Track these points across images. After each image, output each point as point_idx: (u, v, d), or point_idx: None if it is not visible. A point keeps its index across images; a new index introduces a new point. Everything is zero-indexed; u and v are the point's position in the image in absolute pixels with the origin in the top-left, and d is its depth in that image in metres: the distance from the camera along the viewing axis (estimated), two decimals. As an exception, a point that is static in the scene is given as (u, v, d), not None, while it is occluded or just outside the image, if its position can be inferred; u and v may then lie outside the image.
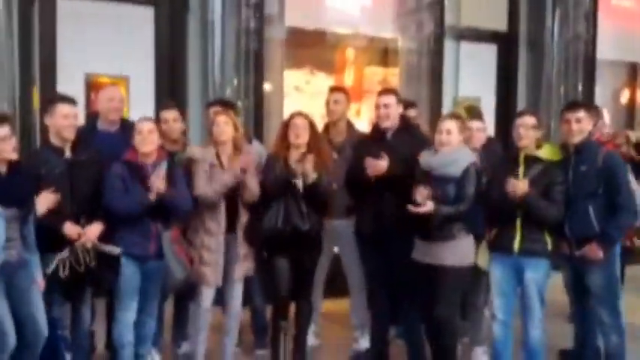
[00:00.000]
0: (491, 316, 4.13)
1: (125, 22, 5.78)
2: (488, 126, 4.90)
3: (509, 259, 3.95)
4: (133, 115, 4.79)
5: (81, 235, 3.69)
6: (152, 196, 3.74)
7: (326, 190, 4.13)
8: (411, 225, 3.90)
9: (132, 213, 3.76)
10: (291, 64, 6.66)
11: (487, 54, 7.76)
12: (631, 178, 4.27)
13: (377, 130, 4.32)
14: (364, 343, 4.65)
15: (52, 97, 4.11)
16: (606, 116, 8.52)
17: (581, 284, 4.16)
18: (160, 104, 4.74)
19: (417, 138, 4.29)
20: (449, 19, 7.09)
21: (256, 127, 5.96)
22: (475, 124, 4.47)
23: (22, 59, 5.33)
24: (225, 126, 4.02)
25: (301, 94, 6.83)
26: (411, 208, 3.75)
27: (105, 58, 5.67)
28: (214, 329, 4.29)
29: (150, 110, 5.12)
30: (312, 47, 6.90)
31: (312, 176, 4.02)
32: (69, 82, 5.41)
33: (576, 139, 4.06)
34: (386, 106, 4.22)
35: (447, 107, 7.06)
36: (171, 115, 4.41)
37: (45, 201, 3.54)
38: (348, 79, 7.09)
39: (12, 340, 3.37)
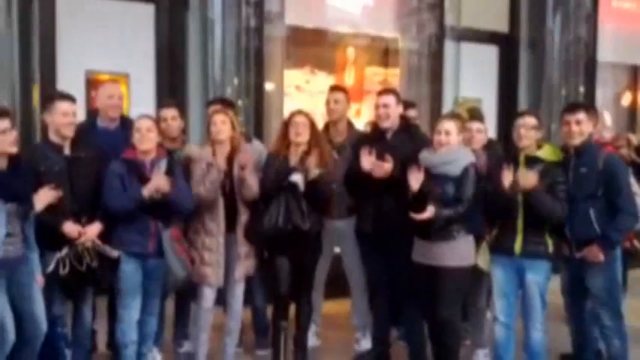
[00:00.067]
0: (493, 318, 4.11)
1: (125, 19, 5.77)
2: (489, 127, 4.89)
3: (511, 260, 3.95)
4: (134, 113, 4.77)
5: (81, 234, 3.69)
6: (145, 192, 3.72)
7: (327, 188, 4.11)
8: (411, 225, 3.89)
9: (126, 209, 3.75)
10: (291, 63, 6.65)
11: (488, 55, 7.74)
12: (632, 180, 4.26)
13: (377, 130, 4.30)
14: (366, 344, 4.64)
15: (51, 95, 4.10)
16: (608, 119, 8.54)
17: (580, 287, 4.15)
18: (160, 102, 4.71)
19: (417, 138, 4.28)
20: (449, 19, 7.09)
21: (256, 126, 5.95)
22: (475, 125, 4.46)
23: (22, 56, 5.33)
24: (223, 125, 4.01)
25: (301, 94, 6.82)
26: (413, 215, 3.74)
27: (105, 55, 5.66)
28: (216, 329, 4.28)
29: (150, 108, 5.12)
30: (313, 46, 6.87)
31: (315, 172, 4.00)
32: (69, 79, 5.41)
33: (576, 141, 4.05)
34: (386, 106, 4.21)
35: (447, 108, 7.04)
36: (170, 113, 4.41)
37: (45, 197, 3.52)
38: (349, 79, 7.07)
39: (11, 335, 3.36)
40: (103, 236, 3.78)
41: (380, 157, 4.00)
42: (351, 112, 6.53)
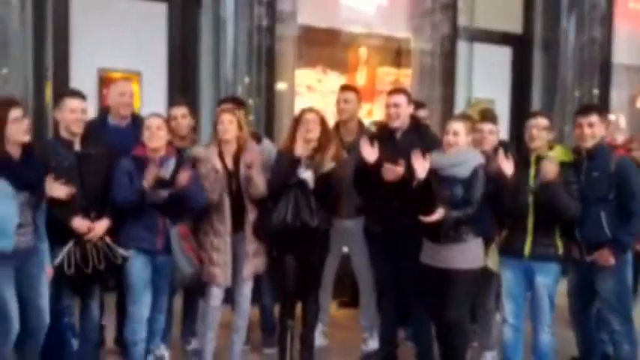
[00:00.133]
0: (502, 320, 4.09)
1: (138, 18, 5.80)
2: (501, 129, 4.86)
3: (520, 262, 3.93)
4: (145, 111, 4.80)
5: (90, 230, 3.71)
6: (146, 183, 3.73)
7: (339, 182, 4.10)
8: (420, 227, 3.87)
9: (129, 202, 3.75)
10: (303, 63, 6.65)
11: (501, 56, 7.70)
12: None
13: (385, 130, 4.29)
14: (373, 344, 4.62)
15: (62, 92, 4.13)
16: (622, 121, 8.47)
17: (589, 290, 4.12)
18: (171, 101, 4.74)
19: (427, 139, 4.25)
20: (462, 20, 7.06)
21: (267, 126, 5.96)
22: (487, 126, 4.43)
23: (35, 54, 5.36)
24: (230, 124, 4.02)
25: (313, 93, 6.81)
26: (421, 218, 3.72)
27: (118, 53, 5.69)
28: (223, 326, 4.28)
29: (162, 106, 5.14)
30: (325, 46, 6.87)
31: (329, 165, 4.00)
32: (82, 77, 5.45)
33: (588, 143, 4.02)
34: (396, 105, 4.20)
35: (459, 109, 7.03)
36: (179, 111, 4.43)
37: (56, 189, 3.55)
38: (361, 79, 7.06)
39: (16, 325, 3.37)
40: (112, 233, 3.80)
41: (389, 157, 3.98)
42: (363, 112, 6.55)
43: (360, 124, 4.79)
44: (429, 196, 3.73)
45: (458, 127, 3.89)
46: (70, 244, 3.68)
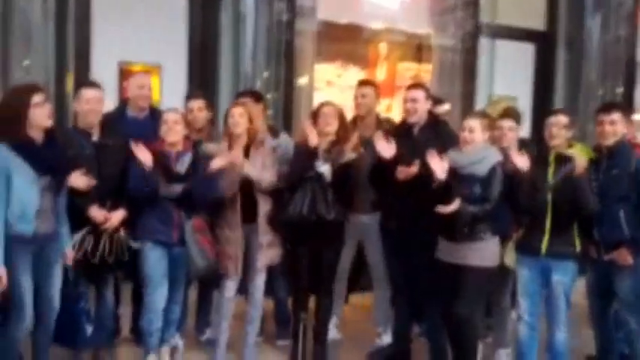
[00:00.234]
0: (517, 317, 4.06)
1: (159, 11, 5.83)
2: (523, 127, 4.81)
3: (537, 260, 3.89)
4: (165, 104, 4.84)
5: (107, 219, 3.74)
6: (147, 165, 3.74)
7: (359, 174, 4.09)
8: (437, 225, 3.85)
9: (141, 193, 3.78)
10: (322, 58, 6.65)
11: (524, 53, 7.62)
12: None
13: (403, 125, 4.27)
14: (387, 338, 4.62)
15: (80, 84, 4.18)
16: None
17: (607, 289, 4.08)
18: (188, 93, 4.76)
19: (445, 135, 4.22)
20: (485, 16, 7.00)
21: (285, 120, 5.97)
22: (506, 123, 4.39)
23: (57, 46, 5.42)
24: (240, 118, 4.03)
25: (331, 88, 6.81)
26: (439, 209, 3.70)
27: (138, 46, 5.72)
28: (237, 317, 4.31)
29: (181, 99, 5.13)
30: (345, 41, 6.87)
31: (350, 155, 4.00)
32: (102, 69, 5.49)
33: (609, 141, 3.98)
34: (413, 100, 4.17)
35: (480, 105, 6.98)
36: (196, 104, 4.46)
37: (77, 178, 3.59)
38: (381, 74, 7.04)
39: (30, 311, 3.40)
40: (127, 224, 3.84)
41: (406, 153, 3.96)
42: (382, 107, 6.54)
43: (378, 119, 4.77)
44: (449, 197, 3.71)
45: (474, 124, 3.86)
46: (84, 231, 3.72)
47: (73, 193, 3.61)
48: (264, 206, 4.07)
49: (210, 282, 4.34)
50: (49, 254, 3.51)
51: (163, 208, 3.85)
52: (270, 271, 4.31)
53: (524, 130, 5.65)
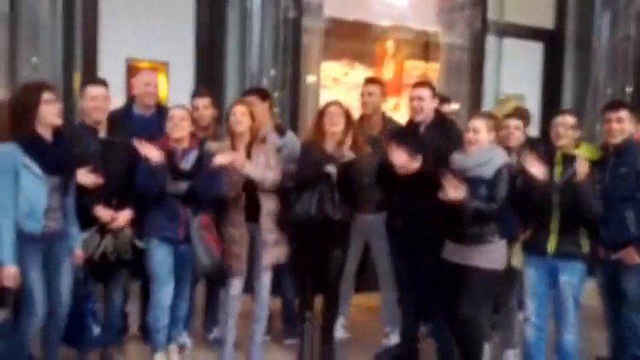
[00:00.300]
0: (524, 319, 4.04)
1: (166, 9, 5.83)
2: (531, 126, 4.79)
3: (544, 260, 3.87)
4: (173, 101, 4.84)
5: (113, 219, 3.75)
6: (155, 160, 3.74)
7: (359, 175, 4.08)
8: (443, 226, 3.83)
9: (149, 190, 3.79)
10: (329, 56, 6.63)
11: (532, 52, 7.58)
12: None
13: (410, 124, 4.25)
14: (395, 338, 4.62)
15: (85, 81, 4.19)
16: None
17: (615, 289, 4.05)
18: (194, 91, 4.76)
19: (451, 134, 4.20)
20: (492, 14, 6.96)
21: (292, 118, 5.96)
22: (513, 122, 4.38)
23: (65, 44, 5.42)
24: (242, 116, 4.03)
25: (338, 86, 6.80)
26: (442, 195, 3.68)
27: (146, 44, 5.72)
28: (244, 316, 4.31)
29: (188, 96, 5.14)
30: (352, 39, 6.85)
31: (349, 155, 3.99)
32: (110, 66, 5.51)
33: (617, 139, 3.96)
34: (419, 98, 4.16)
35: (487, 104, 6.95)
36: (202, 102, 4.46)
37: (83, 175, 3.60)
38: (388, 73, 7.02)
39: (41, 308, 3.41)
40: (134, 222, 3.85)
41: (411, 151, 3.95)
42: (389, 105, 6.52)
43: (384, 117, 4.75)
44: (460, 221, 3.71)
45: (479, 124, 3.84)
46: (91, 231, 3.73)
47: (80, 191, 3.62)
48: (266, 205, 4.06)
49: (216, 280, 4.33)
50: (58, 253, 3.52)
51: (170, 205, 3.85)
52: (278, 270, 4.31)
53: (533, 129, 5.64)
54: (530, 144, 4.46)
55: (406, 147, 3.93)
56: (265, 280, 4.17)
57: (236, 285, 4.09)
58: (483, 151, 3.81)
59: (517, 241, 4.02)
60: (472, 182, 3.75)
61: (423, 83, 4.47)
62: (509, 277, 4.07)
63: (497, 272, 3.84)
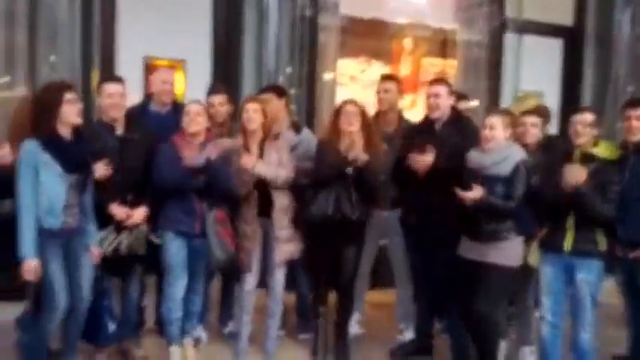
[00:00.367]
0: (540, 316, 4.01)
1: (184, 6, 5.85)
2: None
3: (560, 258, 3.84)
4: (190, 98, 4.84)
5: (129, 216, 3.78)
6: (186, 162, 3.79)
7: (373, 177, 4.08)
8: (460, 223, 3.82)
9: (176, 183, 3.82)
10: (346, 53, 6.62)
11: (551, 49, 7.49)
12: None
13: (426, 121, 4.24)
14: (409, 335, 4.62)
15: (102, 79, 4.23)
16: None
17: (634, 288, 4.02)
18: (209, 88, 4.78)
19: (467, 131, 4.17)
20: (511, 11, 6.91)
21: (308, 115, 5.96)
22: (530, 119, 4.34)
23: (83, 42, 5.47)
24: (255, 114, 4.05)
25: (354, 84, 6.78)
26: (458, 192, 3.66)
27: (163, 42, 5.74)
28: (259, 311, 4.34)
29: (205, 93, 5.19)
30: (368, 36, 6.82)
31: (363, 158, 3.98)
32: (128, 64, 5.54)
33: (637, 137, 3.94)
34: (436, 95, 4.15)
35: (506, 101, 6.89)
36: (217, 99, 4.49)
37: (97, 168, 3.66)
38: (405, 70, 6.99)
39: (62, 302, 3.46)
40: (149, 217, 3.88)
41: (423, 147, 3.94)
42: (406, 102, 6.50)
43: (400, 115, 4.74)
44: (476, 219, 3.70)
45: (495, 121, 3.82)
46: (108, 230, 3.77)
47: (97, 188, 3.66)
48: (279, 201, 4.08)
49: (231, 274, 4.36)
50: (77, 248, 3.57)
51: (187, 199, 3.89)
52: (292, 265, 4.32)
53: (552, 127, 5.58)
54: (549, 141, 4.43)
55: (421, 143, 3.92)
56: (279, 275, 4.19)
57: (249, 280, 4.12)
58: (501, 148, 3.80)
59: (534, 240, 3.99)
60: (489, 180, 3.74)
61: (439, 80, 4.46)
62: (526, 275, 4.05)
63: (513, 269, 3.83)
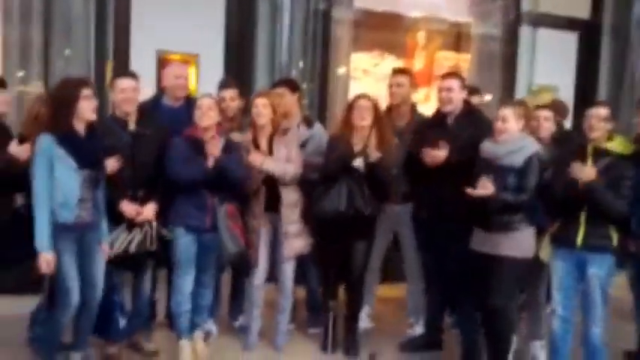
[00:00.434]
0: (552, 311, 4.00)
1: (197, 1, 5.88)
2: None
3: (572, 253, 3.81)
4: (203, 92, 4.86)
5: (139, 213, 3.81)
6: (210, 163, 3.81)
7: (386, 172, 4.08)
8: (471, 214, 3.81)
9: (194, 179, 3.84)
10: (359, 47, 6.61)
11: (567, 42, 7.44)
12: None
13: (438, 115, 4.23)
14: (419, 329, 4.62)
15: (116, 74, 4.25)
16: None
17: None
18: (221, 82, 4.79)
19: (480, 124, 4.15)
20: (526, 4, 6.86)
21: (320, 109, 5.97)
22: (543, 112, 4.32)
23: (97, 36, 5.52)
24: (264, 109, 4.06)
25: (367, 77, 6.77)
26: (469, 191, 3.66)
27: (176, 36, 5.78)
28: (269, 305, 4.36)
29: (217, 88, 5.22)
30: (382, 29, 6.81)
31: (374, 155, 3.97)
32: (141, 58, 5.58)
33: (651, 131, 3.86)
34: (448, 89, 4.12)
35: (520, 95, 6.84)
36: (228, 93, 4.49)
37: (109, 164, 3.68)
38: (418, 63, 6.97)
39: (75, 297, 3.49)
40: (160, 213, 3.90)
41: (436, 142, 3.93)
42: (420, 96, 6.47)
43: (413, 108, 4.72)
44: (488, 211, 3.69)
45: (507, 113, 3.80)
46: (120, 229, 3.79)
47: (108, 184, 3.68)
48: (288, 196, 4.09)
49: (241, 268, 4.37)
50: (90, 242, 3.60)
51: (199, 194, 3.90)
52: (303, 259, 4.33)
53: (567, 121, 5.55)
54: (564, 135, 4.40)
55: (434, 138, 3.91)
56: (288, 270, 4.20)
57: (257, 275, 4.14)
58: (515, 139, 3.78)
59: (545, 234, 3.97)
60: (502, 171, 3.73)
61: (451, 74, 4.43)
62: (537, 269, 4.03)
63: (525, 260, 3.81)
